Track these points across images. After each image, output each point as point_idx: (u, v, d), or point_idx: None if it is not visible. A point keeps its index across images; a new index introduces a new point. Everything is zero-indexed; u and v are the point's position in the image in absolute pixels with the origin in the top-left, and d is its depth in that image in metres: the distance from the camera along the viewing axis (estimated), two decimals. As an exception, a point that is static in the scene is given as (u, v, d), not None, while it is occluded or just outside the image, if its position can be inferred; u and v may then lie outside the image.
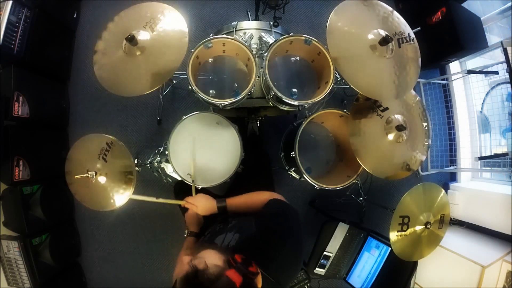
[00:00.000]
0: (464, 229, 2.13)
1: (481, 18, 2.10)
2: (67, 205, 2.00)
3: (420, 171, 2.27)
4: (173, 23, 1.24)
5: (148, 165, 1.61)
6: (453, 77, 2.27)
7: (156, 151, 1.70)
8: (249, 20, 1.85)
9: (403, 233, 1.44)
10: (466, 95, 2.35)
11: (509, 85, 1.80)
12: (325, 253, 1.75)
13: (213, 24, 2.21)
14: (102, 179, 1.22)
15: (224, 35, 1.29)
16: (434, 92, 2.35)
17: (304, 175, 1.37)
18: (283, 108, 1.37)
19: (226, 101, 1.22)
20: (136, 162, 1.55)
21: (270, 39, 1.35)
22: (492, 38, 2.19)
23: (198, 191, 1.21)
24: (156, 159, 1.62)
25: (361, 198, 2.04)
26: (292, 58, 1.41)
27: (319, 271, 1.78)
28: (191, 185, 1.28)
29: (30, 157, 1.69)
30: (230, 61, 1.41)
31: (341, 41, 1.18)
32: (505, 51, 1.78)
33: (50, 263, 1.75)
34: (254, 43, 1.40)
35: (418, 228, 1.47)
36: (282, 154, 1.65)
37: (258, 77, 1.30)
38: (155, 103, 2.09)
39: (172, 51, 1.21)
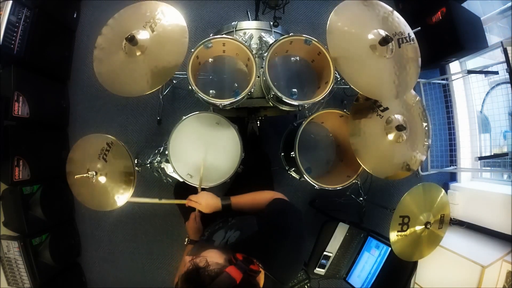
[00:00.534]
0: (464, 229, 2.13)
1: (481, 18, 2.10)
2: (67, 205, 2.00)
3: (420, 171, 2.27)
4: (173, 23, 1.24)
5: (148, 165, 1.61)
6: (453, 77, 2.27)
7: (156, 151, 1.70)
8: (249, 20, 1.85)
9: (403, 233, 1.44)
10: (466, 95, 2.35)
11: (509, 85, 1.80)
12: (325, 253, 1.75)
13: (213, 24, 2.21)
14: (102, 179, 1.22)
15: (224, 35, 1.29)
16: (434, 92, 2.35)
17: (304, 175, 1.37)
18: (283, 108, 1.37)
19: (226, 101, 1.22)
20: (136, 162, 1.55)
21: (270, 39, 1.35)
22: (492, 38, 2.19)
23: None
24: (156, 159, 1.62)
25: (361, 198, 2.04)
26: (292, 58, 1.41)
27: (319, 271, 1.78)
28: (191, 186, 1.28)
29: (30, 157, 1.68)
30: (230, 61, 1.41)
31: (341, 41, 1.18)
32: (505, 51, 1.78)
33: (50, 263, 1.75)
34: (254, 43, 1.40)
35: (418, 228, 1.47)
36: (282, 154, 1.65)
37: (258, 77, 1.30)
38: (155, 103, 2.09)
39: (172, 51, 1.22)
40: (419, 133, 1.40)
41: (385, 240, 1.70)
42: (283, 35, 1.26)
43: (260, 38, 1.38)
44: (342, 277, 1.83)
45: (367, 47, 1.19)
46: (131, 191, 1.21)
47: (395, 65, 1.22)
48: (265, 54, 1.23)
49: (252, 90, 1.24)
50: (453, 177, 2.40)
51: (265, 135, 2.01)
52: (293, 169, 1.57)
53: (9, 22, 1.57)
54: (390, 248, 1.63)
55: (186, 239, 1.15)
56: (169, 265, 2.12)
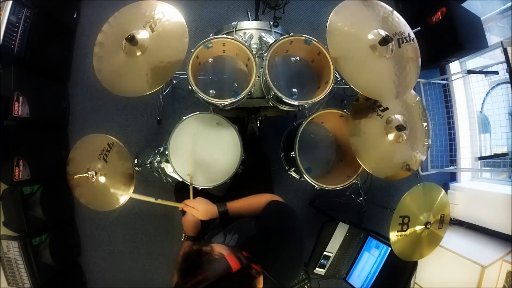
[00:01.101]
0: (464, 229, 2.13)
1: (481, 18, 2.10)
2: (67, 205, 2.00)
3: (420, 171, 2.27)
4: (173, 22, 1.24)
5: (148, 165, 1.61)
6: (453, 77, 2.27)
7: (156, 151, 1.70)
8: (249, 20, 1.85)
9: (403, 233, 1.44)
10: (466, 95, 2.35)
11: (509, 85, 1.80)
12: (325, 253, 1.75)
13: (213, 24, 2.21)
14: (102, 179, 1.22)
15: (224, 35, 1.29)
16: (434, 92, 2.35)
17: (304, 175, 1.37)
18: (283, 108, 1.37)
19: (226, 101, 1.22)
20: (136, 162, 1.55)
21: (270, 39, 1.35)
22: (492, 38, 2.19)
23: (198, 192, 1.20)
24: (156, 159, 1.62)
25: (361, 198, 2.04)
26: (292, 58, 1.41)
27: (319, 271, 1.78)
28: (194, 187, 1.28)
29: (30, 157, 1.68)
30: (230, 61, 1.41)
31: (341, 41, 1.18)
32: (505, 51, 1.78)
33: (50, 263, 1.75)
34: (254, 43, 1.40)
35: (418, 228, 1.47)
36: (282, 154, 1.65)
37: (258, 77, 1.30)
38: (155, 103, 2.09)
39: (173, 51, 1.22)
40: (419, 133, 1.40)
41: (385, 240, 1.70)
42: (283, 35, 1.26)
43: (260, 38, 1.38)
44: (342, 277, 1.83)
45: (367, 47, 1.19)
46: (131, 190, 1.22)
47: (395, 65, 1.22)
48: (265, 54, 1.23)
49: (252, 90, 1.24)
50: (453, 177, 2.40)
51: (265, 135, 2.02)
52: (293, 169, 1.57)
53: (9, 22, 1.57)
54: (390, 248, 1.63)
55: (183, 235, 1.12)
56: (169, 265, 2.12)
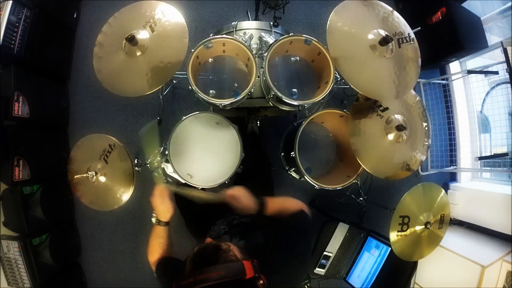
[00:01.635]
0: (464, 229, 2.13)
1: (481, 18, 2.10)
2: (67, 205, 2.00)
3: (420, 171, 2.27)
4: (173, 22, 1.24)
5: (148, 165, 1.61)
6: (453, 77, 2.27)
7: (156, 151, 1.70)
8: (249, 20, 1.85)
9: (403, 233, 1.44)
10: (466, 95, 2.35)
11: (509, 85, 1.80)
12: (325, 253, 1.75)
13: (213, 24, 2.21)
14: (102, 179, 1.22)
15: (224, 35, 1.29)
16: (434, 92, 2.35)
17: (304, 175, 1.37)
18: (283, 108, 1.37)
19: (226, 101, 1.22)
20: (136, 162, 1.55)
21: (270, 39, 1.35)
22: (492, 38, 2.19)
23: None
24: (156, 159, 1.61)
25: (361, 198, 2.04)
26: (292, 58, 1.41)
27: (319, 271, 1.78)
28: (191, 186, 1.28)
29: (30, 157, 1.68)
30: (230, 61, 1.41)
31: (341, 41, 1.18)
32: (505, 51, 1.78)
33: (50, 263, 1.75)
34: (254, 43, 1.40)
35: (418, 228, 1.47)
36: (282, 154, 1.65)
37: (258, 77, 1.30)
38: (155, 103, 2.09)
39: (173, 51, 1.22)
40: (419, 133, 1.40)
41: (385, 240, 1.70)
42: (283, 35, 1.26)
43: (260, 38, 1.38)
44: (342, 277, 1.83)
45: (367, 47, 1.19)
46: (130, 191, 1.22)
47: (395, 65, 1.22)
48: (265, 54, 1.23)
49: (252, 90, 1.24)
50: (453, 177, 2.40)
51: (265, 135, 2.01)
52: (293, 169, 1.57)
53: (9, 22, 1.57)
54: (390, 248, 1.63)
55: (154, 218, 1.01)
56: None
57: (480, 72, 2.06)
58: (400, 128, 1.27)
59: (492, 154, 2.15)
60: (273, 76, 1.27)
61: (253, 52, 1.26)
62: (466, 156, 2.31)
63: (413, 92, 1.41)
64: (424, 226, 1.47)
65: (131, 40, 1.16)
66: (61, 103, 2.03)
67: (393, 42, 1.18)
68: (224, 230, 0.95)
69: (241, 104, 1.32)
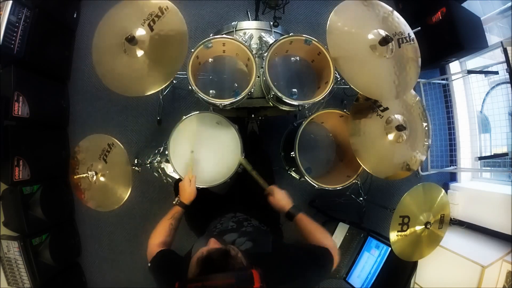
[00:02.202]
0: (464, 229, 2.13)
1: (481, 18, 2.10)
2: (67, 205, 2.00)
3: (420, 171, 2.27)
4: (173, 23, 1.23)
5: (148, 165, 1.61)
6: (453, 77, 2.27)
7: (156, 151, 1.70)
8: (249, 20, 1.85)
9: (403, 233, 1.44)
10: (466, 95, 2.35)
11: (509, 85, 1.80)
12: (325, 253, 1.75)
13: (213, 24, 2.21)
14: (102, 179, 1.22)
15: (224, 35, 1.29)
16: (434, 92, 2.35)
17: (304, 175, 1.37)
18: (283, 108, 1.37)
19: (226, 101, 1.22)
20: (136, 162, 1.55)
21: (270, 39, 1.35)
22: (492, 38, 2.19)
23: (198, 190, 1.20)
24: (156, 159, 1.62)
25: (361, 198, 2.04)
26: (292, 58, 1.41)
27: (319, 271, 1.78)
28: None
29: (30, 157, 1.68)
30: (230, 61, 1.41)
31: (341, 41, 1.18)
32: (505, 51, 1.78)
33: (50, 263, 1.75)
34: (254, 43, 1.40)
35: (418, 228, 1.47)
36: (282, 154, 1.65)
37: (258, 77, 1.30)
38: (155, 103, 2.09)
39: (173, 52, 1.21)
40: (419, 133, 1.39)
41: (385, 240, 1.70)
42: (283, 35, 1.26)
43: (260, 38, 1.38)
44: (342, 277, 1.83)
45: (367, 47, 1.19)
46: (129, 191, 1.22)
47: (395, 65, 1.22)
48: (265, 54, 1.23)
49: (252, 90, 1.24)
50: (453, 177, 2.40)
51: (265, 135, 2.01)
52: (293, 169, 1.57)
53: (9, 22, 1.57)
54: (390, 248, 1.63)
55: (176, 199, 1.12)
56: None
57: (480, 72, 2.06)
58: (400, 128, 1.27)
59: (492, 154, 2.15)
60: (273, 76, 1.27)
61: (253, 52, 1.26)
62: (466, 156, 2.32)
63: (413, 92, 1.41)
64: (424, 226, 1.47)
65: (131, 40, 1.15)
66: (61, 103, 2.03)
67: (393, 42, 1.18)
68: (232, 227, 0.95)
69: (241, 104, 1.32)
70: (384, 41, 1.15)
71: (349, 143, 1.31)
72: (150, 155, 1.71)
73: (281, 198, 1.12)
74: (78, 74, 2.13)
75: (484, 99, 2.28)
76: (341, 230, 1.76)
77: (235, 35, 1.37)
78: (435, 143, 2.35)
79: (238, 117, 1.62)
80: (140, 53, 1.20)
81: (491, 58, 2.22)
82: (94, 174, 1.20)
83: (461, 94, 2.34)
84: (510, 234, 1.81)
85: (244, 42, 1.26)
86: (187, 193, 1.12)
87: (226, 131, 1.34)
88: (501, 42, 1.84)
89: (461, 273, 1.73)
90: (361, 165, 1.31)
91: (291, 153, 1.37)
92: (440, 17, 1.99)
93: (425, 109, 1.43)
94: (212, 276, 0.58)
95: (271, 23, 1.43)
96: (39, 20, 1.73)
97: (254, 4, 1.60)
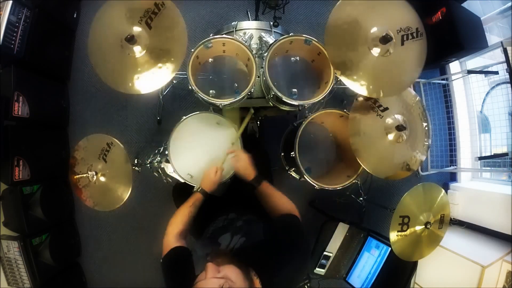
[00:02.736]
0: (464, 229, 2.13)
1: (481, 18, 2.10)
2: (67, 205, 2.00)
3: (420, 171, 2.27)
4: (173, 23, 1.23)
5: (148, 165, 1.61)
6: (453, 77, 2.27)
7: (156, 151, 1.70)
8: (249, 20, 1.85)
9: (403, 233, 1.44)
10: (466, 95, 2.35)
11: (509, 85, 1.80)
12: (325, 253, 1.75)
13: (213, 24, 2.21)
14: (102, 179, 1.22)
15: (224, 35, 1.29)
16: (434, 92, 2.36)
17: (304, 175, 1.37)
18: (283, 108, 1.37)
19: (226, 101, 1.22)
20: (136, 162, 1.55)
21: (270, 39, 1.35)
22: (492, 38, 2.19)
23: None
24: (156, 159, 1.62)
25: (361, 198, 2.04)
26: (292, 58, 1.41)
27: (319, 271, 1.78)
28: (191, 186, 1.28)
29: (30, 157, 1.68)
30: (230, 61, 1.41)
31: (341, 41, 1.17)
32: (505, 51, 1.78)
33: (50, 263, 1.75)
34: (254, 43, 1.40)
35: (418, 228, 1.47)
36: (282, 154, 1.65)
37: (258, 77, 1.30)
38: (155, 103, 2.09)
39: (172, 49, 1.21)
40: (419, 133, 1.39)
41: (385, 240, 1.70)
42: (283, 35, 1.26)
43: (260, 38, 1.38)
44: (342, 277, 1.83)
45: (366, 45, 1.18)
46: (129, 191, 1.22)
47: (395, 63, 1.21)
48: (265, 54, 1.23)
49: (252, 90, 1.24)
50: (453, 177, 2.40)
51: (265, 135, 2.01)
52: (293, 169, 1.57)
53: (9, 22, 1.57)
54: (390, 248, 1.63)
55: (198, 186, 1.14)
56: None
57: (480, 72, 2.06)
58: (400, 128, 1.27)
59: (492, 154, 2.15)
60: (273, 76, 1.27)
61: (253, 52, 1.26)
62: (466, 156, 2.32)
63: (413, 92, 1.41)
64: (424, 226, 1.47)
65: (131, 40, 1.15)
66: (61, 103, 2.02)
67: (394, 40, 1.17)
68: (223, 224, 0.96)
69: (241, 104, 1.32)
70: (384, 39, 1.14)
71: (349, 143, 1.31)
72: (150, 155, 1.71)
73: (245, 166, 1.11)
74: (78, 74, 2.13)
75: (484, 99, 2.28)
76: (341, 230, 1.76)
77: (235, 35, 1.37)
78: (435, 143, 2.35)
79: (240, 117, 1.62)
80: (138, 49, 1.19)
81: (491, 58, 2.22)
82: (94, 174, 1.20)
83: (461, 94, 2.34)
84: (510, 234, 1.81)
85: (244, 42, 1.26)
86: (211, 182, 1.13)
87: (226, 131, 1.34)
88: (501, 42, 1.84)
89: (461, 273, 1.73)
90: (361, 165, 1.31)
91: (291, 153, 1.37)
92: (440, 17, 1.99)
93: (425, 109, 1.43)
94: None
95: (271, 23, 1.43)
96: (39, 20, 1.73)
97: (254, 4, 1.60)
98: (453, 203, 2.18)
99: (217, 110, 1.32)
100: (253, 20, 1.69)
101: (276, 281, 0.73)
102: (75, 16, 2.11)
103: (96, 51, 1.21)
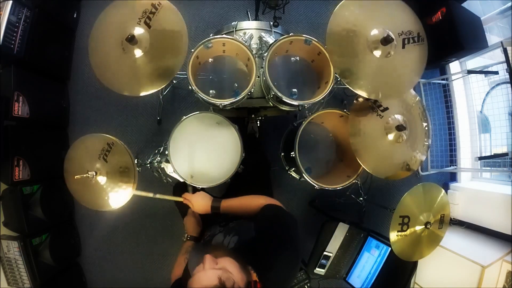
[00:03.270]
0: (464, 229, 2.13)
1: (481, 18, 2.10)
2: (67, 205, 2.00)
3: (420, 171, 2.27)
4: (173, 23, 1.23)
5: (148, 165, 1.61)
6: (453, 77, 2.27)
7: (156, 151, 1.70)
8: (249, 20, 1.85)
9: (403, 233, 1.44)
10: (466, 95, 2.35)
11: (509, 85, 1.80)
12: (325, 253, 1.75)
13: (213, 24, 2.21)
14: (102, 179, 1.22)
15: (224, 35, 1.29)
16: (434, 92, 2.35)
17: (304, 175, 1.37)
18: (283, 108, 1.37)
19: (226, 101, 1.22)
20: (136, 162, 1.55)
21: (270, 39, 1.35)
22: (492, 38, 2.19)
23: (198, 191, 1.20)
24: (156, 159, 1.62)
25: (361, 198, 2.04)
26: (292, 58, 1.41)
27: (319, 271, 1.78)
28: (191, 186, 1.28)
29: (30, 157, 1.68)
30: (230, 61, 1.41)
31: (341, 42, 1.17)
32: (505, 51, 1.78)
33: (50, 263, 1.75)
34: (254, 43, 1.40)
35: (418, 228, 1.47)
36: (282, 154, 1.65)
37: (258, 77, 1.30)
38: (155, 103, 2.10)
39: (173, 52, 1.21)
40: (419, 133, 1.39)
41: (385, 240, 1.70)
42: (283, 35, 1.26)
43: (260, 38, 1.38)
44: (342, 277, 1.83)
45: (367, 47, 1.18)
46: (132, 191, 1.21)
47: (396, 64, 1.21)
48: (265, 54, 1.23)
49: (252, 90, 1.24)
50: (453, 177, 2.40)
51: (265, 135, 2.01)
52: (293, 169, 1.57)
53: (9, 22, 1.57)
54: (390, 248, 1.63)
55: (185, 235, 1.14)
56: (169, 265, 2.12)
57: (480, 72, 2.06)
58: (400, 128, 1.27)
59: (492, 154, 2.15)
60: (273, 76, 1.27)
61: (253, 52, 1.26)
62: (466, 156, 2.32)
63: (413, 92, 1.41)
64: (424, 226, 1.47)
65: (131, 40, 1.15)
66: (61, 103, 2.03)
67: (395, 42, 1.17)
68: (219, 230, 0.96)
69: (241, 104, 1.32)
70: (385, 41, 1.14)
71: (349, 143, 1.31)
72: (150, 155, 1.71)
73: (200, 207, 1.09)
74: (78, 74, 2.13)
75: (484, 99, 2.28)
76: (341, 230, 1.76)
77: (235, 35, 1.37)
78: (435, 143, 2.35)
79: (238, 117, 1.62)
80: (138, 52, 1.19)
81: (491, 58, 2.22)
82: (94, 174, 1.19)
83: (461, 94, 2.34)
84: (510, 234, 1.81)
85: (244, 42, 1.26)
86: (194, 227, 1.15)
87: (226, 131, 1.34)
88: (501, 42, 1.84)
89: (461, 273, 1.73)
90: (361, 165, 1.31)
91: (291, 153, 1.37)
92: (440, 17, 1.99)
93: (425, 109, 1.43)
94: None
95: (271, 23, 1.43)
96: (39, 20, 1.73)
97: (254, 4, 1.60)
98: (453, 203, 2.18)
99: (217, 110, 1.32)
100: (253, 20, 1.69)
101: (272, 275, 0.73)
102: (75, 16, 2.12)
103: (97, 55, 1.23)
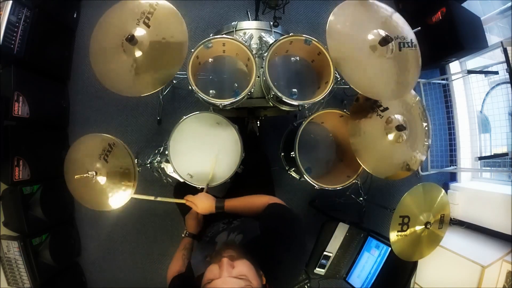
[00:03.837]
0: (464, 229, 2.13)
1: (481, 18, 2.10)
2: (67, 205, 2.00)
3: (420, 171, 2.27)
4: (172, 23, 1.23)
5: (148, 165, 1.61)
6: (453, 77, 2.27)
7: (156, 151, 1.70)
8: (249, 20, 1.85)
9: (403, 233, 1.44)
10: (466, 95, 2.35)
11: (509, 85, 1.80)
12: (325, 253, 1.75)
13: (213, 24, 2.21)
14: (102, 179, 1.22)
15: (224, 35, 1.29)
16: (434, 92, 2.35)
17: (304, 175, 1.37)
18: (283, 108, 1.37)
19: (226, 101, 1.22)
20: (136, 162, 1.55)
21: (270, 39, 1.35)
22: (492, 38, 2.19)
23: (199, 191, 1.20)
24: (156, 159, 1.62)
25: (361, 198, 2.04)
26: (292, 58, 1.41)
27: (319, 271, 1.78)
28: (191, 186, 1.28)
29: (30, 157, 1.68)
30: (230, 61, 1.41)
31: (340, 42, 1.18)
32: (505, 51, 1.78)
33: (50, 263, 1.75)
34: (254, 43, 1.40)
35: (418, 228, 1.47)
36: (282, 154, 1.65)
37: (258, 77, 1.30)
38: (155, 103, 2.10)
39: (173, 52, 1.21)
40: (419, 133, 1.40)
41: (385, 240, 1.70)
42: (283, 35, 1.26)
43: (260, 38, 1.38)
44: (342, 277, 1.83)
45: (367, 48, 1.19)
46: (132, 191, 1.22)
47: (396, 65, 1.21)
48: (265, 54, 1.23)
49: (252, 90, 1.24)
50: (453, 177, 2.40)
51: (265, 135, 2.01)
52: (293, 169, 1.57)
53: (9, 22, 1.57)
54: (390, 248, 1.63)
55: (185, 232, 1.14)
56: (169, 265, 2.12)
57: (480, 72, 2.06)
58: (400, 128, 1.27)
59: (492, 154, 2.15)
60: (273, 76, 1.27)
61: (253, 52, 1.26)
62: (466, 156, 2.32)
63: (413, 92, 1.41)
64: (424, 226, 1.47)
65: (131, 40, 1.15)
66: (61, 103, 2.03)
67: (393, 43, 1.18)
68: (222, 228, 0.96)
69: (241, 104, 1.32)
70: (384, 41, 1.15)
71: (349, 143, 1.31)
72: (150, 155, 1.71)
73: (204, 207, 1.08)
74: (78, 74, 2.13)
75: (484, 99, 2.28)
76: (341, 230, 1.76)
77: (235, 35, 1.37)
78: (435, 143, 2.35)
79: (238, 117, 1.62)
80: (138, 53, 1.19)
81: (491, 58, 2.22)
82: (94, 174, 1.20)
83: (461, 94, 2.34)
84: (510, 234, 1.81)
85: (244, 42, 1.26)
86: (194, 225, 1.14)
87: (226, 131, 1.34)
88: (501, 42, 1.84)
89: (461, 273, 1.73)
90: (361, 165, 1.31)
91: (291, 153, 1.37)
92: (440, 17, 1.99)
93: (425, 109, 1.43)
94: None
95: (271, 23, 1.43)
96: (39, 20, 1.73)
97: (254, 4, 1.60)
98: (453, 203, 2.18)
99: (217, 110, 1.32)
100: (253, 20, 1.69)
101: (278, 273, 0.73)
102: (75, 16, 2.12)
103: (97, 55, 1.24)
